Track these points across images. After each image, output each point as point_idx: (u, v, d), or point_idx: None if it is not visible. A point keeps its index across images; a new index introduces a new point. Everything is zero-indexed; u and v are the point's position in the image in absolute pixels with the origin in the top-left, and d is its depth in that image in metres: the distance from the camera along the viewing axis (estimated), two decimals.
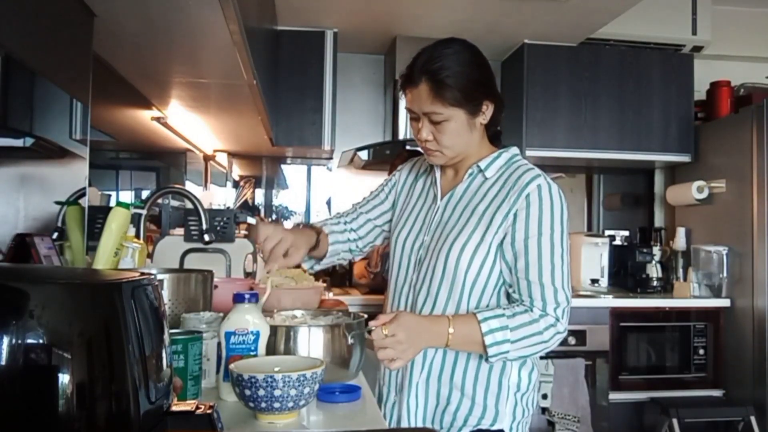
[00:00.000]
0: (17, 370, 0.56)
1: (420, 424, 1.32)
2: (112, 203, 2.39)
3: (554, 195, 1.26)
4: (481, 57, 1.31)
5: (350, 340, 1.29)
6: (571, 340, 2.95)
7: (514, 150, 1.37)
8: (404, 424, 1.32)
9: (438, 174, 1.40)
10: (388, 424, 1.37)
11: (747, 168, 3.05)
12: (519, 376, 1.31)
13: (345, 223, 1.52)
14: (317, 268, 1.51)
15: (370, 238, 1.54)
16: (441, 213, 1.35)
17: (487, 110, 1.30)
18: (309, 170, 3.98)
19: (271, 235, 1.28)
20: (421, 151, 1.37)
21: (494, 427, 1.28)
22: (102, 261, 1.55)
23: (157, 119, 2.53)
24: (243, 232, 2.94)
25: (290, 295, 1.72)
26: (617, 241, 3.63)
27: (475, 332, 1.20)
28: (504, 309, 1.23)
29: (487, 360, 1.23)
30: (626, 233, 3.71)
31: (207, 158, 3.61)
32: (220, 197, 3.71)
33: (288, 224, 4.01)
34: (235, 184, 3.90)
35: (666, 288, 3.47)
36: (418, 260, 1.35)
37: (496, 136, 1.39)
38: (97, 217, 1.76)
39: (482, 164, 1.33)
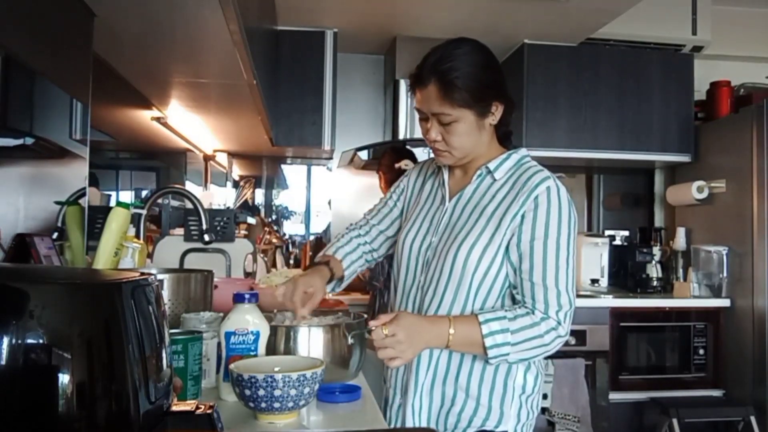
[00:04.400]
0: (17, 370, 0.56)
1: (424, 425, 1.31)
2: (112, 203, 2.39)
3: (563, 198, 1.25)
4: (491, 58, 1.30)
5: (350, 340, 1.29)
6: (571, 340, 2.94)
7: (524, 151, 1.36)
8: (408, 425, 1.32)
9: (446, 175, 1.39)
10: (391, 424, 1.37)
11: (747, 168, 3.05)
12: (524, 379, 1.31)
13: (359, 236, 1.54)
14: (338, 290, 1.53)
15: (383, 250, 1.56)
16: (449, 214, 1.35)
17: (497, 111, 1.30)
18: (309, 170, 3.98)
19: (286, 289, 1.31)
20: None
21: (499, 429, 1.28)
22: (102, 261, 1.55)
23: (157, 119, 2.53)
24: (243, 232, 2.95)
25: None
26: (617, 241, 3.63)
27: (475, 333, 1.20)
28: (506, 311, 1.23)
29: (487, 361, 1.23)
30: (626, 233, 3.71)
31: (207, 158, 3.61)
32: (220, 197, 3.71)
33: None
34: (235, 184, 3.90)
35: (666, 288, 3.47)
36: (426, 261, 1.35)
37: (506, 137, 1.38)
38: (97, 217, 1.76)
39: (491, 165, 1.33)
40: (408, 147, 2.87)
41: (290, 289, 1.30)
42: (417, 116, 1.32)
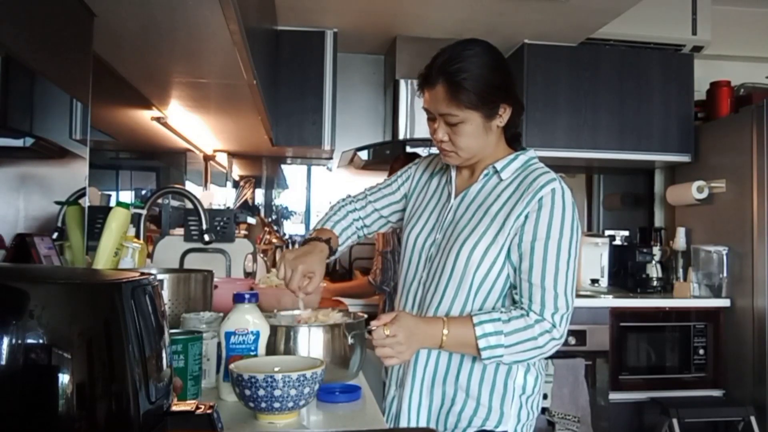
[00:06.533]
0: (17, 370, 0.56)
1: (423, 424, 1.32)
2: (112, 203, 2.39)
3: (567, 201, 1.25)
4: (501, 60, 1.30)
5: (350, 340, 1.29)
6: (571, 340, 2.94)
7: (531, 153, 1.36)
8: (405, 422, 1.32)
9: (453, 173, 1.39)
10: (387, 418, 1.37)
11: (747, 168, 3.05)
12: (525, 379, 1.31)
13: (355, 210, 1.52)
14: (330, 260, 1.51)
15: (375, 227, 1.55)
16: (454, 212, 1.35)
17: (505, 113, 1.30)
18: (309, 170, 3.98)
19: (284, 274, 1.28)
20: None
21: (499, 429, 1.28)
22: (102, 261, 1.55)
23: (157, 119, 2.53)
24: (243, 232, 2.94)
25: (290, 295, 1.72)
26: (617, 241, 3.63)
27: (469, 335, 1.20)
28: (501, 312, 1.23)
29: (481, 362, 1.23)
30: (626, 233, 3.71)
31: (207, 158, 3.61)
32: (220, 197, 3.71)
33: (290, 226, 4.00)
34: (235, 184, 3.90)
35: (666, 288, 3.47)
36: (429, 258, 1.35)
37: (515, 138, 1.38)
38: (97, 217, 1.76)
39: (498, 165, 1.33)
40: (418, 152, 2.87)
41: (288, 276, 1.27)
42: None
